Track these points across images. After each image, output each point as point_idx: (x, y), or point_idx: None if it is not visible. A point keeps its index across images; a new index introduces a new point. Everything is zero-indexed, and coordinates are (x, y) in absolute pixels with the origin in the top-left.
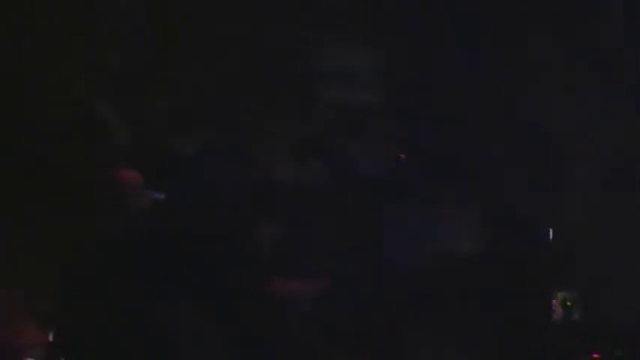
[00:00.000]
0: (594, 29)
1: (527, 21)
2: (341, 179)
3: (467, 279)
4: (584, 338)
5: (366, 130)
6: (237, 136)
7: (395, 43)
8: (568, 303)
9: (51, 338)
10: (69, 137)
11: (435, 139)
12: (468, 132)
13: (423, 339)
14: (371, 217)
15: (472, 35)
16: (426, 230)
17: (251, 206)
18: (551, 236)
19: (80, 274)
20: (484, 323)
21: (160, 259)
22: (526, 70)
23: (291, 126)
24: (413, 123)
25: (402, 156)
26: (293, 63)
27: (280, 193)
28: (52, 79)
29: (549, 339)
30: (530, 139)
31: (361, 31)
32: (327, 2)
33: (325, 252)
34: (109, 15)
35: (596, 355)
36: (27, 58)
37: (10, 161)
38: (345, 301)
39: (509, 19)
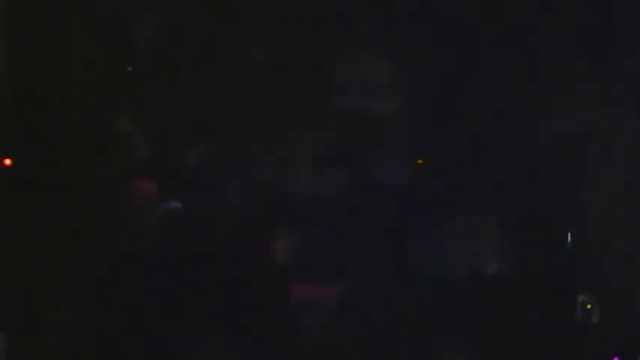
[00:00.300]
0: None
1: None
2: (363, 189)
3: (491, 290)
4: (604, 341)
5: (388, 139)
6: (253, 146)
7: (417, 52)
8: (588, 306)
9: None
10: (87, 148)
11: (456, 148)
12: (488, 139)
13: (441, 351)
14: (393, 226)
15: (492, 42)
16: (449, 240)
17: (270, 215)
18: (569, 239)
19: (97, 281)
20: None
21: (176, 269)
22: (547, 73)
23: (314, 136)
24: (435, 132)
25: (421, 163)
26: (315, 73)
27: (301, 203)
28: (71, 89)
29: (570, 343)
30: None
31: (383, 41)
32: (350, 13)
33: (344, 260)
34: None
35: (616, 359)
36: (47, 68)
37: (30, 169)
38: (362, 309)
39: (529, 23)
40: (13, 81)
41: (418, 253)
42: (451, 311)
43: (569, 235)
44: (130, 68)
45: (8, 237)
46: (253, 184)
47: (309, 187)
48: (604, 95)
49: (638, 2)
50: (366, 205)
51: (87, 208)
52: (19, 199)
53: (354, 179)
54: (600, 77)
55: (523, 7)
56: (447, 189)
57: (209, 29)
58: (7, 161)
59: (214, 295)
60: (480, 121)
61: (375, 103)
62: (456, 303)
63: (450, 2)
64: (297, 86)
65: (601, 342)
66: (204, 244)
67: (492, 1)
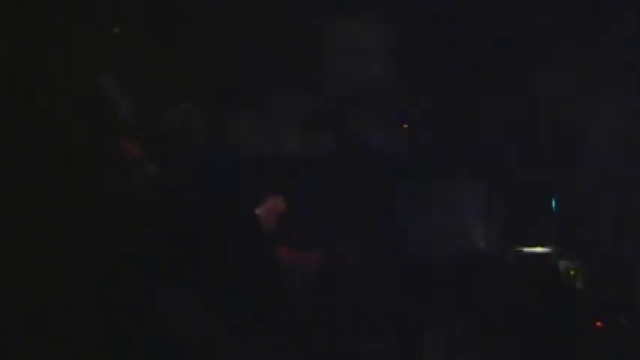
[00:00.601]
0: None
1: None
2: (351, 152)
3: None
4: (587, 307)
5: (376, 103)
6: (239, 110)
7: (406, 16)
8: (571, 272)
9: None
10: (74, 113)
11: (445, 115)
12: (478, 106)
13: (429, 321)
14: (381, 191)
15: (483, 10)
16: (437, 206)
17: (256, 179)
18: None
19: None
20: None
21: (163, 230)
22: (535, 46)
23: (301, 100)
24: (424, 97)
25: (406, 127)
26: (303, 37)
27: (288, 166)
28: (59, 54)
29: (553, 309)
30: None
31: (372, 5)
32: None
33: (331, 226)
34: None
35: (599, 324)
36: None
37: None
38: (347, 276)
39: None
40: None
41: (406, 218)
42: (438, 281)
43: (553, 201)
44: (116, 29)
45: None
46: (237, 147)
47: (295, 150)
48: (591, 60)
49: None
50: (354, 169)
51: (73, 172)
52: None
53: (340, 143)
54: (589, 41)
55: None
56: (434, 154)
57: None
58: None
59: (200, 260)
60: (470, 86)
61: (364, 67)
62: (443, 273)
63: None
64: (284, 49)
65: (585, 307)
66: (187, 208)
67: None
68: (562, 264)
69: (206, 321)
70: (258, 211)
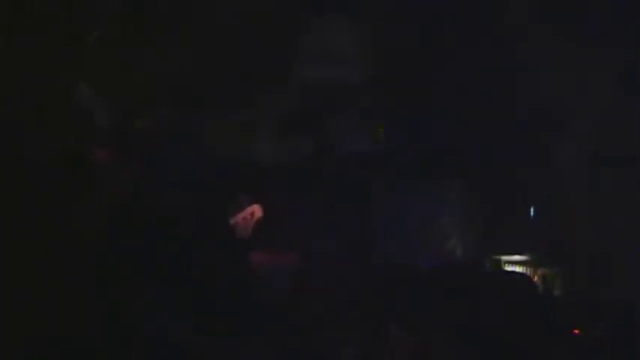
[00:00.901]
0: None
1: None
2: (326, 155)
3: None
4: (565, 314)
5: (352, 105)
6: (215, 113)
7: (380, 18)
8: (548, 279)
9: None
10: (48, 120)
11: (421, 116)
12: (455, 107)
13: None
14: (357, 193)
15: (461, 10)
16: (414, 207)
17: (231, 183)
18: (532, 212)
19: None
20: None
21: (136, 238)
22: (514, 44)
23: (277, 103)
24: (399, 98)
25: (382, 130)
26: (278, 40)
27: (263, 170)
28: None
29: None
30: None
31: (346, 7)
32: None
33: (307, 227)
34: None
35: (576, 332)
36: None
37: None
38: (322, 276)
39: None
40: None
41: (381, 220)
42: (412, 285)
43: (531, 208)
44: (95, 34)
45: None
46: (214, 151)
47: (272, 154)
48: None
49: None
50: (330, 173)
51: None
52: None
53: (317, 146)
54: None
55: None
56: (412, 155)
57: None
58: None
59: (175, 266)
60: (446, 88)
61: (339, 70)
62: (419, 279)
63: None
64: (261, 53)
65: (563, 315)
66: (161, 212)
67: None
68: (540, 270)
69: (184, 323)
70: (237, 218)
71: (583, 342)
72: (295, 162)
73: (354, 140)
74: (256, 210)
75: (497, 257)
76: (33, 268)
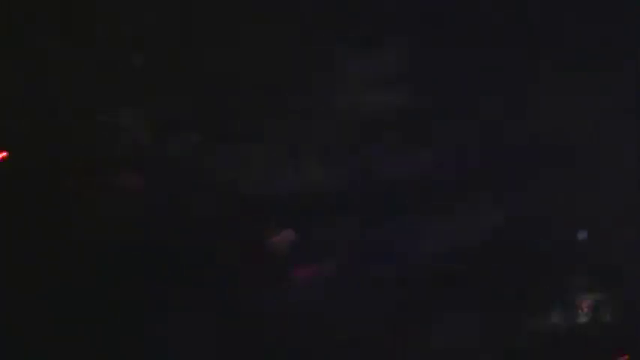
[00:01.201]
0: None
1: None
2: (364, 181)
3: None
4: (614, 340)
5: (391, 132)
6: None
7: (418, 45)
8: (596, 305)
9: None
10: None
11: (459, 140)
12: (489, 133)
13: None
14: (391, 218)
15: (491, 37)
16: (445, 231)
17: (268, 214)
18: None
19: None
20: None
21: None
22: (544, 71)
23: (315, 130)
24: (438, 124)
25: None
26: (316, 67)
27: (301, 196)
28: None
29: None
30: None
31: (385, 34)
32: (351, 6)
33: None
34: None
35: (625, 357)
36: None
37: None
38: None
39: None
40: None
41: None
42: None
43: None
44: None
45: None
46: (248, 180)
47: (309, 183)
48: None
49: None
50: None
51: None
52: (18, 190)
53: (354, 174)
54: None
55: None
56: (450, 181)
57: (206, 24)
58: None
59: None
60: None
61: (379, 95)
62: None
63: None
64: (296, 82)
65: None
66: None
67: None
68: (589, 297)
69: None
70: (274, 239)
71: None
72: (333, 190)
73: (393, 166)
74: (290, 234)
75: None
76: (34, 268)
